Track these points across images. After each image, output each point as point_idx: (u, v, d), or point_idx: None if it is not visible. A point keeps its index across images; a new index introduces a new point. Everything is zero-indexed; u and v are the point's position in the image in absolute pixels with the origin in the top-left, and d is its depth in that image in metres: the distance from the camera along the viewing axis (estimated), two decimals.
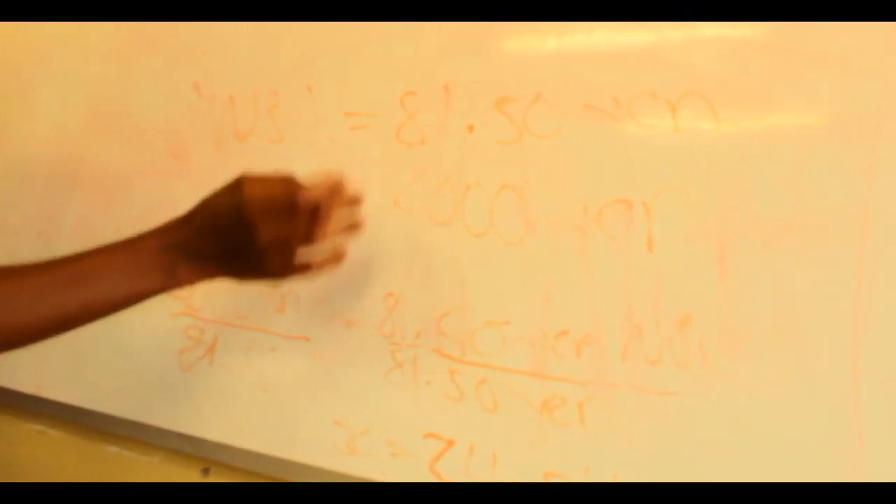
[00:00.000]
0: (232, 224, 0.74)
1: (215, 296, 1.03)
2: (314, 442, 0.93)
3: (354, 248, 0.89)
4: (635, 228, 0.79)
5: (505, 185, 0.85)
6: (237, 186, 0.75)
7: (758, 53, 0.74)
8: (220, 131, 1.05)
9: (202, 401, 1.03)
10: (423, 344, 0.88)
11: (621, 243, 0.79)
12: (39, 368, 1.18)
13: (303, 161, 0.97)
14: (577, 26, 0.82)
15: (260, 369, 0.99)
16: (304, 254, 0.78)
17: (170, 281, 0.77)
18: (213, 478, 1.04)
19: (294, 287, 0.97)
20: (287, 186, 0.75)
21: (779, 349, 0.72)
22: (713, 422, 0.74)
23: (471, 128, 0.87)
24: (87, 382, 1.13)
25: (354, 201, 0.83)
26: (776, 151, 0.73)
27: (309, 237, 0.77)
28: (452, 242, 0.87)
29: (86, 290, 0.76)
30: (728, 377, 0.74)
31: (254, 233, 0.73)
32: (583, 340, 0.80)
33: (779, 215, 0.73)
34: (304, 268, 0.80)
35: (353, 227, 0.84)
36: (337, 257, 0.82)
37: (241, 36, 1.04)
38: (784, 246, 0.72)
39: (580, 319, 0.80)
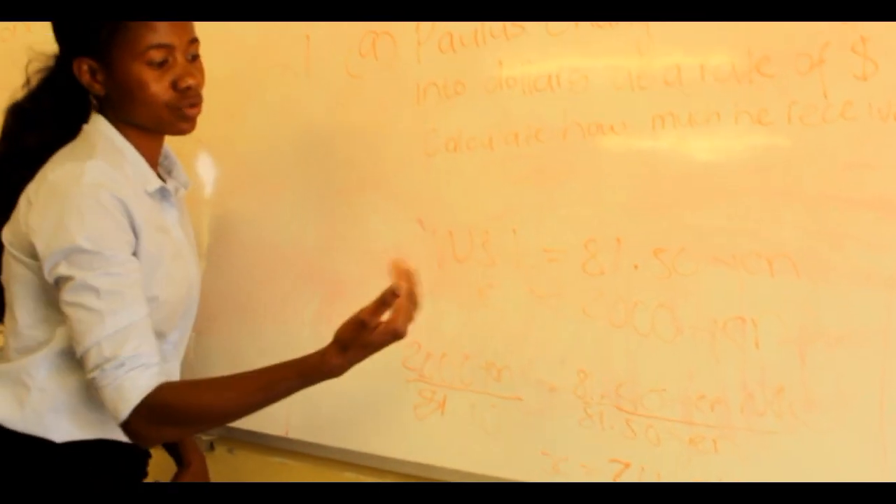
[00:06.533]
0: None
1: (443, 368, 1.67)
2: (522, 458, 1.58)
3: (555, 339, 1.55)
4: (747, 335, 1.45)
5: (661, 304, 1.51)
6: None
7: None
8: (442, 255, 1.69)
9: (435, 439, 1.66)
10: (607, 402, 1.54)
11: (739, 343, 1.45)
12: (288, 419, 1.80)
13: (513, 281, 1.62)
14: (703, 203, 1.49)
15: (482, 419, 1.63)
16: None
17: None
18: None
19: (507, 363, 1.61)
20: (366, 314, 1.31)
21: (836, 409, 1.40)
22: (798, 449, 1.41)
23: (636, 266, 1.53)
24: (334, 426, 1.75)
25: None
26: None
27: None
28: (625, 339, 1.53)
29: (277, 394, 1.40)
30: (807, 423, 1.41)
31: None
32: (715, 401, 1.47)
33: (832, 330, 1.40)
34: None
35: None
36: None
37: (456, 189, 1.68)
38: (837, 352, 1.40)
39: (713, 389, 1.47)
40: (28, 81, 1.52)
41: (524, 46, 1.60)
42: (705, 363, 1.46)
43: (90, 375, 1.35)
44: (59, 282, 1.37)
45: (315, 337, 1.72)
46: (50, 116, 1.49)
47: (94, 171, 1.38)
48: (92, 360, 1.34)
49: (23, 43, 2.16)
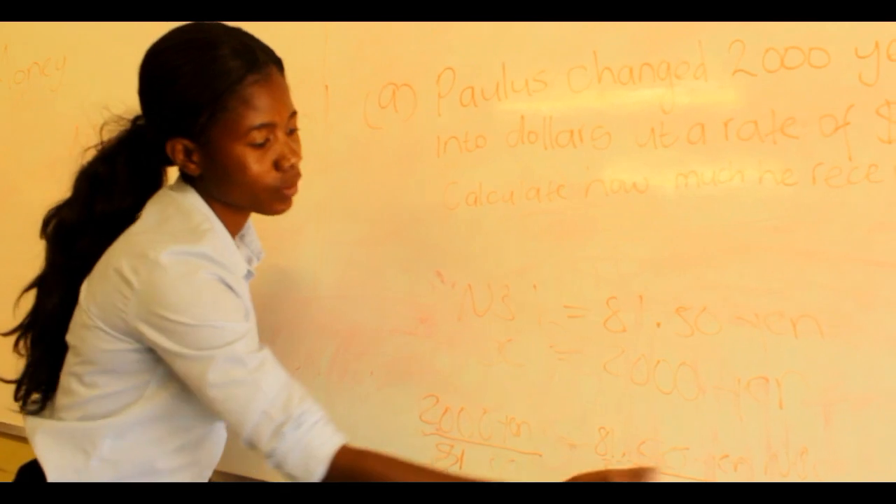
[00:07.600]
0: None
1: (462, 422, 1.67)
2: None
3: (576, 396, 1.56)
4: (771, 395, 1.46)
5: (683, 362, 1.52)
6: None
7: None
8: (461, 308, 1.70)
9: None
10: (628, 460, 1.54)
11: (763, 403, 1.46)
12: None
13: (533, 336, 1.63)
14: (726, 261, 1.50)
15: (501, 474, 1.63)
16: None
17: None
18: None
19: (527, 419, 1.62)
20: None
21: (861, 471, 1.40)
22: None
23: (658, 324, 1.55)
24: None
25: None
26: None
27: None
28: (647, 396, 1.54)
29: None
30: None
31: None
32: (738, 461, 1.47)
33: (856, 392, 1.41)
34: None
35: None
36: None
37: (477, 242, 1.69)
38: (862, 414, 1.41)
39: (737, 448, 1.47)
40: (102, 145, 1.47)
41: (546, 101, 1.62)
42: (729, 422, 1.47)
43: (270, 447, 1.30)
44: (198, 370, 1.32)
45: (327, 385, 1.74)
46: (126, 183, 1.44)
47: (204, 260, 1.33)
48: (266, 431, 1.30)
49: (34, 86, 2.20)
